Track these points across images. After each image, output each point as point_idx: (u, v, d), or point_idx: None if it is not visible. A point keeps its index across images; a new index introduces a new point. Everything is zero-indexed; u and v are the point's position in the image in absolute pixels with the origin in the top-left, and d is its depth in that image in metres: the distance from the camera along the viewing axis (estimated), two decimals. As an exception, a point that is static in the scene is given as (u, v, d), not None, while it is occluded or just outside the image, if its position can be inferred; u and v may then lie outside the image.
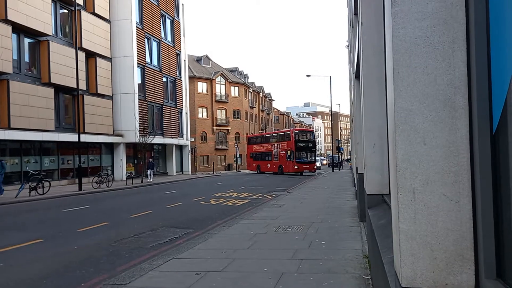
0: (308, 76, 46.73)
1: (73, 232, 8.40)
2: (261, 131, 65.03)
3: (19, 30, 20.06)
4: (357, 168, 10.81)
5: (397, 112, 1.42)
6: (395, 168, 1.44)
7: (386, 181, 4.50)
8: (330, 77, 44.68)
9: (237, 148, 47.87)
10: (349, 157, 67.65)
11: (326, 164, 49.01)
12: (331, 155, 61.53)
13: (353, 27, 9.72)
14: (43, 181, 16.71)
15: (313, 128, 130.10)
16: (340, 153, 57.29)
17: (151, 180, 25.81)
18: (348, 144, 75.07)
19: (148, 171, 26.58)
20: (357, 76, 7.95)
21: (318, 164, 48.47)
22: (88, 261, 6.07)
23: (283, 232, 7.60)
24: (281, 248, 6.28)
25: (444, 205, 1.39)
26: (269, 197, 15.17)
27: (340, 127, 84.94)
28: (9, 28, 19.12)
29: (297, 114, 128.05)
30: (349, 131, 64.13)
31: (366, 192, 4.76)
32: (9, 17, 18.97)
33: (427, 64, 1.39)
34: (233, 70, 57.83)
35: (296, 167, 32.44)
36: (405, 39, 1.40)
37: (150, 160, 28.62)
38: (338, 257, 5.56)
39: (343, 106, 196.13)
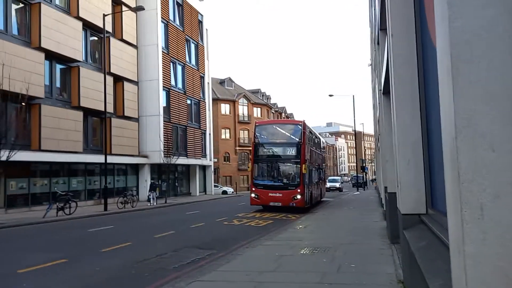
0: (330, 95, 46.47)
1: (97, 252, 8.35)
2: (283, 152, 64.52)
3: (51, 56, 20.99)
4: (385, 187, 10.36)
5: (458, 115, 1.22)
6: (457, 180, 1.23)
7: (422, 199, 4.19)
8: (353, 96, 44.36)
9: (260, 168, 47.51)
10: (374, 177, 66.06)
11: (337, 189, 43.55)
12: (355, 175, 60.28)
13: (378, 43, 9.53)
14: (70, 202, 16.99)
15: (336, 147, 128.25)
16: (364, 173, 56.03)
17: (154, 204, 22.49)
18: (372, 164, 73.46)
19: (150, 194, 22.83)
20: (385, 91, 7.70)
21: (337, 185, 45.45)
22: (109, 283, 5.95)
23: (310, 254, 7.27)
24: (308, 271, 5.96)
25: (521, 223, 1.16)
26: (293, 218, 14.79)
27: (364, 147, 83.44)
28: (42, 55, 20.03)
29: (319, 134, 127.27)
30: (373, 150, 62.87)
31: (400, 212, 4.45)
32: (42, 45, 19.91)
33: (492, 58, 1.20)
34: (256, 92, 58.38)
35: (253, 195, 17.63)
36: (465, 29, 1.22)
37: (152, 181, 24.89)
38: (370, 281, 5.20)
39: (367, 126, 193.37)
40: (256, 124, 19.70)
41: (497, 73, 1.20)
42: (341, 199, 28.73)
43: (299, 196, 16.75)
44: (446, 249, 2.68)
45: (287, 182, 17.38)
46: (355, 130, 49.61)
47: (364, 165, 54.12)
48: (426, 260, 2.66)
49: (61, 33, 21.19)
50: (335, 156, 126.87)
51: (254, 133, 18.63)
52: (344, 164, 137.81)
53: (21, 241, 10.51)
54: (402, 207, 4.37)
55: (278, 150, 18.23)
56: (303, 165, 16.93)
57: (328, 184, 45.81)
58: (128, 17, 27.31)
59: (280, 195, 16.94)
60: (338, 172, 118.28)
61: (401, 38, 4.28)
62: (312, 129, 21.44)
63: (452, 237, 1.35)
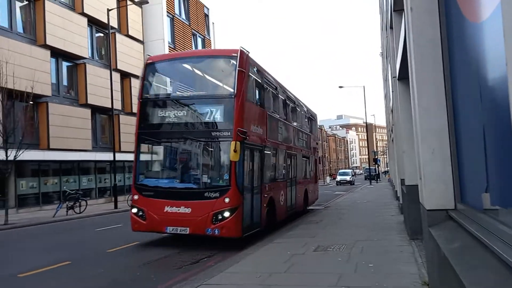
0: (340, 87, 45.65)
1: (102, 253, 8.07)
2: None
3: (57, 54, 20.84)
4: (402, 180, 9.86)
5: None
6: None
7: (450, 193, 3.74)
8: (364, 87, 43.53)
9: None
10: (387, 169, 65.06)
11: (348, 182, 43.21)
12: (367, 167, 59.42)
13: (392, 27, 9.00)
14: (79, 200, 16.89)
15: (347, 140, 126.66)
16: (377, 165, 55.17)
17: None
18: (385, 156, 72.31)
19: None
20: (401, 77, 7.20)
21: (348, 178, 43.97)
22: (112, 286, 5.64)
23: (323, 253, 6.86)
24: (322, 272, 5.56)
25: None
26: (304, 213, 14.37)
27: (376, 138, 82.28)
28: (48, 52, 19.87)
29: (330, 127, 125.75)
30: (386, 142, 61.76)
31: (425, 207, 4.00)
32: (48, 42, 19.74)
33: None
34: (264, 85, 57.68)
35: (135, 210, 8.34)
36: None
37: None
38: (392, 283, 4.77)
39: (378, 117, 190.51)
40: (148, 62, 9.24)
41: None
42: (354, 192, 28.24)
43: (226, 214, 7.75)
44: (489, 253, 2.25)
45: (207, 182, 8.27)
46: (366, 122, 48.68)
47: (376, 157, 53.27)
48: (465, 267, 2.23)
49: (66, 30, 20.99)
50: (346, 149, 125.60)
51: (142, 80, 9.14)
52: (356, 156, 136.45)
53: (28, 241, 10.33)
54: (427, 202, 3.92)
55: (186, 114, 8.65)
56: (235, 144, 7.66)
57: (339, 178, 45.04)
58: (133, 12, 27.00)
59: (188, 210, 7.97)
60: (350, 165, 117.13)
61: (422, 12, 3.80)
62: (269, 73, 10.41)
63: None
